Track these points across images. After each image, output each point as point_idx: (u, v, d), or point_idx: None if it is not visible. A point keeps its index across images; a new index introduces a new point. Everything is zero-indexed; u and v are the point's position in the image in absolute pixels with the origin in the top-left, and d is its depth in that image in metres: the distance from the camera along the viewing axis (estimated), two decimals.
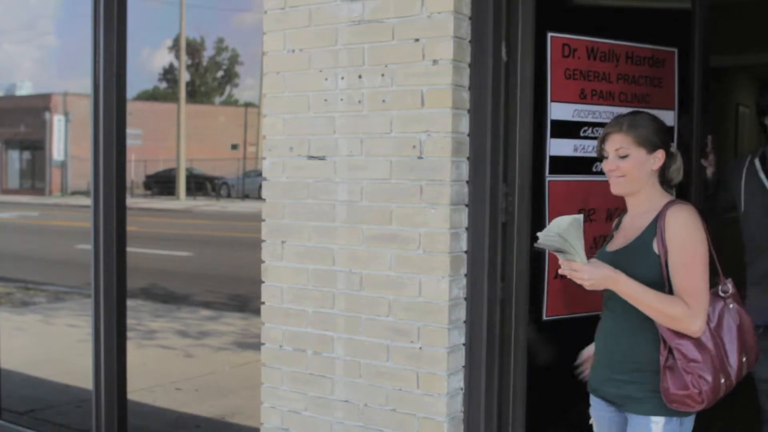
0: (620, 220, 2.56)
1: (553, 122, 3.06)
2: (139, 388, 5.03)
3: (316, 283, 3.08)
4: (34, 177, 31.59)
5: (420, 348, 2.84)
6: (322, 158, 3.04)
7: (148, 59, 33.43)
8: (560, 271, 2.34)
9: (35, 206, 22.83)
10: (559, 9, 3.14)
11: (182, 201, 24.94)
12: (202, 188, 26.44)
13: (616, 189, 2.44)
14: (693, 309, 2.23)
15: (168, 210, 21.10)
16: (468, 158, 2.83)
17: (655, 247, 2.31)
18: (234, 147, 30.27)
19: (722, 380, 2.28)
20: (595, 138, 3.15)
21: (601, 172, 3.16)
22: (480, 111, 2.80)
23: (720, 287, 2.35)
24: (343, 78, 2.98)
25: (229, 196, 25.23)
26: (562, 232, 2.24)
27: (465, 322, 2.85)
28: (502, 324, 2.88)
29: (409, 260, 2.85)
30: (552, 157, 3.07)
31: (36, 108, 30.70)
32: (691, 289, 2.25)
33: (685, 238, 2.27)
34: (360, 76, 2.94)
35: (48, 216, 20.25)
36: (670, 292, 2.28)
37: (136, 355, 5.49)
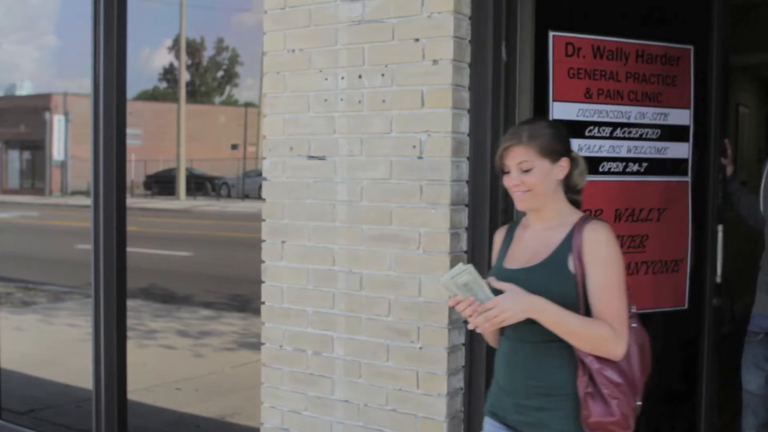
0: (512, 232, 2.35)
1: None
2: (139, 388, 5.03)
3: (316, 283, 3.08)
4: (34, 177, 31.58)
5: (420, 348, 2.84)
6: (322, 158, 3.04)
7: (148, 59, 33.44)
8: (471, 324, 2.12)
9: (35, 206, 22.82)
10: (562, 8, 3.12)
11: (182, 201, 24.92)
12: (202, 188, 26.43)
13: (522, 205, 2.24)
14: (617, 331, 2.10)
15: (168, 210, 21.09)
16: (468, 158, 2.83)
17: (571, 266, 2.13)
18: (234, 147, 30.26)
19: (638, 403, 2.19)
20: (602, 138, 3.12)
21: (608, 172, 3.16)
22: (480, 111, 2.80)
23: None
24: (343, 78, 2.98)
25: (229, 196, 25.22)
26: (462, 273, 2.08)
27: (464, 322, 2.85)
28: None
29: (409, 260, 2.85)
30: None
31: (36, 108, 30.68)
32: (615, 311, 2.11)
33: (607, 258, 2.12)
34: (360, 76, 2.94)
35: (48, 216, 20.25)
36: (586, 313, 2.13)
37: (136, 355, 5.48)
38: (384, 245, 2.90)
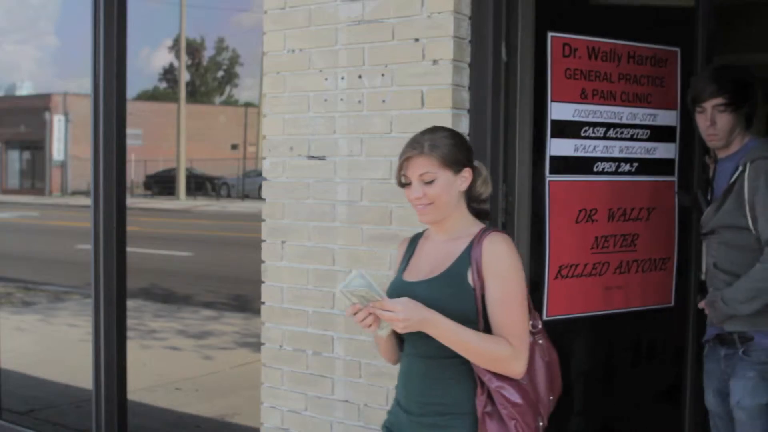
0: (414, 244, 2.26)
1: (554, 122, 3.06)
2: (139, 388, 5.03)
3: (316, 283, 3.08)
4: (34, 177, 31.60)
5: None
6: (322, 158, 3.04)
7: (148, 59, 33.45)
8: (356, 321, 2.02)
9: (35, 206, 22.82)
10: (560, 9, 3.14)
11: (182, 201, 24.93)
12: (202, 188, 26.45)
13: (425, 218, 2.14)
14: (516, 349, 2.01)
15: (168, 210, 21.09)
16: None
17: (470, 280, 2.05)
18: (234, 147, 30.27)
19: (540, 423, 2.12)
20: (596, 138, 3.14)
21: (603, 172, 3.18)
22: (480, 111, 2.80)
23: (531, 322, 2.14)
24: (343, 78, 2.98)
25: (229, 196, 25.22)
26: (356, 278, 1.99)
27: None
28: None
29: None
30: (552, 157, 3.07)
31: (36, 108, 30.70)
32: (514, 327, 2.03)
33: (507, 272, 2.04)
34: (360, 76, 2.94)
35: (48, 216, 20.25)
36: (486, 328, 2.04)
37: (136, 355, 5.48)
38: (384, 245, 2.90)
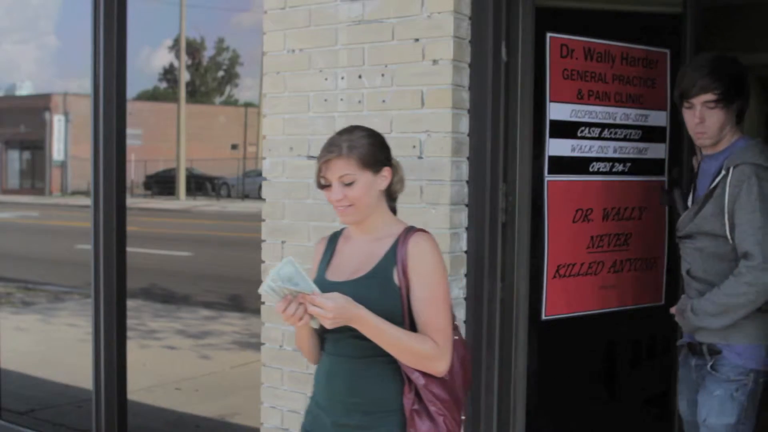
0: (333, 243, 2.25)
1: (552, 122, 3.07)
2: (139, 388, 5.03)
3: None
4: (34, 177, 31.58)
5: None
6: None
7: (148, 59, 33.43)
8: (286, 317, 1.97)
9: (35, 206, 22.81)
10: (558, 9, 3.15)
11: (182, 201, 24.92)
12: (202, 188, 26.43)
13: (346, 219, 2.14)
14: (441, 346, 2.04)
15: (168, 210, 21.08)
16: (468, 158, 2.83)
17: (396, 279, 2.06)
18: (234, 147, 30.25)
19: (462, 417, 2.15)
20: (592, 138, 3.15)
21: (598, 172, 3.20)
22: (480, 111, 2.80)
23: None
24: (343, 78, 2.98)
25: (229, 196, 25.21)
26: (285, 265, 1.95)
27: (465, 322, 2.85)
28: (502, 324, 2.88)
29: None
30: (550, 157, 3.08)
31: (36, 108, 30.68)
32: (439, 325, 2.05)
33: (432, 271, 2.06)
34: (360, 76, 2.94)
35: (48, 216, 20.24)
36: (411, 327, 2.06)
37: (136, 355, 5.48)
38: None
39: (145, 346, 6.90)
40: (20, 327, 7.67)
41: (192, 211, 21.55)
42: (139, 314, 8.01)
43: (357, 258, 2.15)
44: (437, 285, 2.07)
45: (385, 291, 2.06)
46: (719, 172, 2.56)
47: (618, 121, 3.22)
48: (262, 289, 1.97)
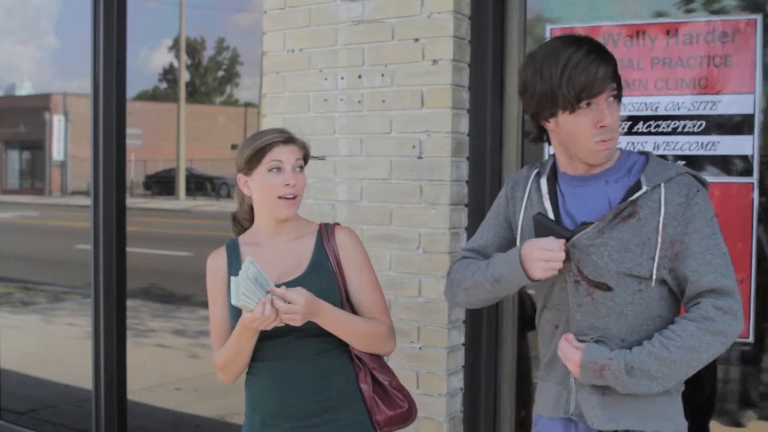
0: (237, 256, 2.14)
1: None
2: (139, 388, 5.03)
3: None
4: (34, 177, 31.57)
5: (420, 348, 2.84)
6: (322, 158, 3.04)
7: (148, 59, 33.31)
8: (263, 320, 1.90)
9: (35, 206, 22.79)
10: (560, 4, 3.10)
11: (182, 201, 24.92)
12: (202, 188, 26.42)
13: (291, 210, 2.08)
14: (390, 326, 2.15)
15: (168, 210, 21.09)
16: (468, 158, 2.83)
17: (332, 270, 2.10)
18: (234, 147, 30.15)
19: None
20: None
21: None
22: (480, 111, 2.81)
23: None
24: (343, 78, 2.98)
25: (229, 196, 25.15)
26: (249, 266, 1.88)
27: (465, 322, 2.85)
28: (501, 324, 2.88)
29: (409, 260, 2.85)
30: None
31: (36, 108, 30.67)
32: (383, 306, 2.16)
33: (366, 259, 2.16)
34: (360, 76, 2.94)
35: (48, 216, 20.23)
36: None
37: (135, 355, 5.48)
38: (384, 245, 2.90)
39: (144, 346, 6.90)
40: (20, 327, 7.67)
41: (192, 211, 21.54)
42: (138, 314, 8.01)
43: (285, 258, 2.12)
44: (372, 271, 2.18)
45: (327, 283, 2.09)
46: (627, 192, 1.84)
47: (659, 112, 2.81)
48: (238, 301, 1.88)
